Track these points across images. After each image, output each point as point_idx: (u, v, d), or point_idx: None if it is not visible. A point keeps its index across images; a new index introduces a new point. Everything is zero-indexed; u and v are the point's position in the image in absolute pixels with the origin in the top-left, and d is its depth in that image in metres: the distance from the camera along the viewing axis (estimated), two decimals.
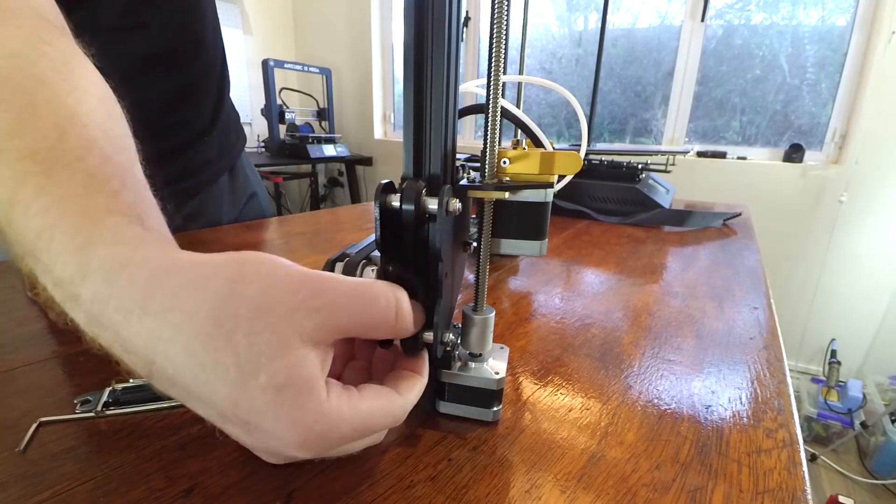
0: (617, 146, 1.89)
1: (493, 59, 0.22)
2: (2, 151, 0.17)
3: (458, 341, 0.26)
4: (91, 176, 0.18)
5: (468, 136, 2.66)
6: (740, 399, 0.30)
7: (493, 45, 0.22)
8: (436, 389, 0.26)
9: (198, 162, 0.61)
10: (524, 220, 0.42)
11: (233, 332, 0.15)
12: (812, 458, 1.55)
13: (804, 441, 0.37)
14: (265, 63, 2.39)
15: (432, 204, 0.20)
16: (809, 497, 0.22)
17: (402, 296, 0.20)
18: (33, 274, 0.17)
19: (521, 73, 0.46)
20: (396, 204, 0.20)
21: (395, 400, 0.20)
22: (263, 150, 2.76)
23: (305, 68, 2.61)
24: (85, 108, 0.20)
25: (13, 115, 0.18)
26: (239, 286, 0.16)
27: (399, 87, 2.72)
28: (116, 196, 0.18)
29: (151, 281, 0.16)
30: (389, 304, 0.19)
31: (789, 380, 0.33)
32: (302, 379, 0.16)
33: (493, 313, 0.26)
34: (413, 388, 0.21)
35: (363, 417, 0.18)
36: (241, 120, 0.71)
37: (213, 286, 0.16)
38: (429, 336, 0.22)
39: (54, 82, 0.20)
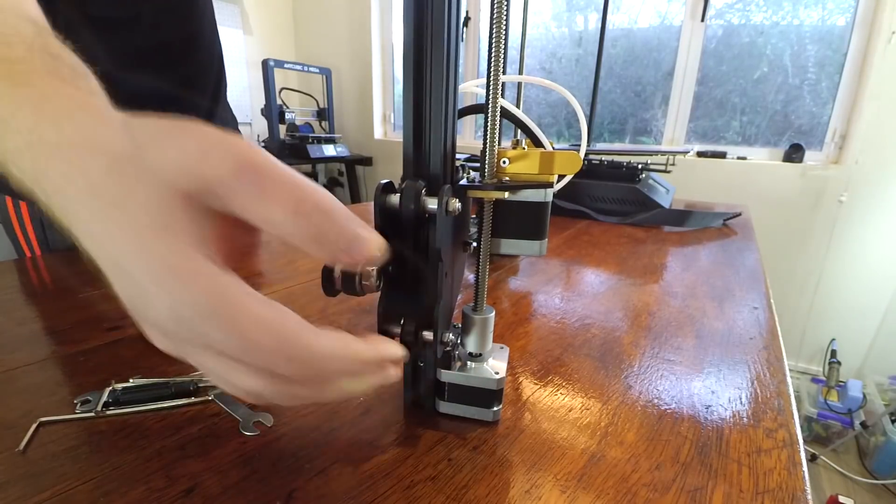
0: (617, 146, 1.89)
1: (492, 59, 0.22)
2: None
3: (458, 341, 0.26)
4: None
5: (468, 136, 2.66)
6: (740, 399, 0.30)
7: (493, 45, 0.22)
8: (436, 389, 0.26)
9: None
10: (524, 220, 0.42)
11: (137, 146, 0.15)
12: (812, 458, 1.55)
13: (804, 441, 0.37)
14: (265, 63, 2.39)
15: (432, 204, 0.20)
16: (809, 497, 0.22)
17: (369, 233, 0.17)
18: None
19: (520, 72, 0.46)
20: (396, 204, 0.20)
21: (355, 341, 0.17)
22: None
23: (305, 68, 2.61)
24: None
25: None
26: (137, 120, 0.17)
27: (399, 87, 2.71)
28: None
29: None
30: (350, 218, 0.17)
31: (789, 380, 0.33)
32: (175, 219, 0.15)
33: (493, 313, 0.26)
34: (384, 342, 0.19)
35: (293, 326, 0.15)
36: (242, 120, 0.71)
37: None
38: (428, 336, 0.22)
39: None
